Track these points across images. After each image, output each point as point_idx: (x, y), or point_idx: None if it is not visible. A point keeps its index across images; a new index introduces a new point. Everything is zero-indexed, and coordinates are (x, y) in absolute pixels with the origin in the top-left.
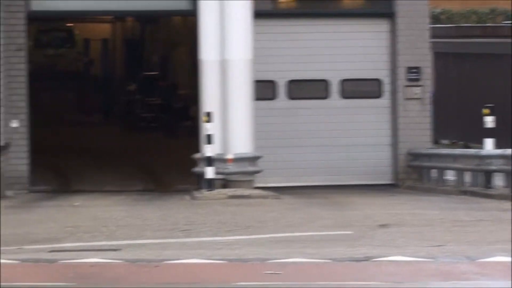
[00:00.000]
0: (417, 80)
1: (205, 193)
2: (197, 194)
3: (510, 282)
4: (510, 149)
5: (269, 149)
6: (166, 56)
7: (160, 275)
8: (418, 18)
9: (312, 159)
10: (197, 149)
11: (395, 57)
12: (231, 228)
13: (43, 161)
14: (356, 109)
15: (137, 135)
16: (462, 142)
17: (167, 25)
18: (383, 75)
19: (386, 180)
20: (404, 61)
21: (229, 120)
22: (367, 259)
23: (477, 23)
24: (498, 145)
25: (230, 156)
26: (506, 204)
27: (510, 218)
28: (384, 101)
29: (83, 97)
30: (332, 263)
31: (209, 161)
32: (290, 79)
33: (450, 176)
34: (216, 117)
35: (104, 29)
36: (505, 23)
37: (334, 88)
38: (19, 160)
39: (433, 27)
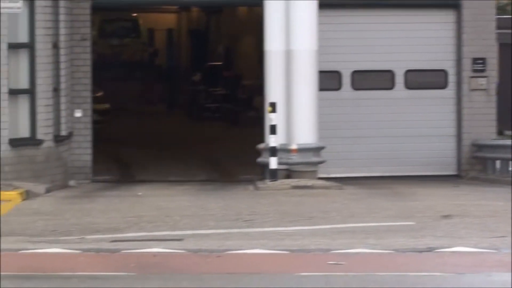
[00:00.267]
0: (482, 71)
1: (268, 183)
2: (260, 184)
3: None
4: None
5: (332, 139)
6: (230, 47)
7: (222, 265)
8: (484, 9)
9: (375, 150)
10: (261, 139)
11: (460, 48)
12: (294, 219)
13: (107, 151)
14: (420, 100)
15: (201, 125)
16: None
17: (232, 16)
18: (448, 66)
19: (450, 171)
20: (470, 52)
21: (293, 110)
22: (429, 250)
23: None
24: None
25: (294, 146)
26: None
27: None
28: (449, 92)
29: (147, 87)
30: (394, 253)
31: (273, 151)
32: (355, 69)
33: None
34: (280, 107)
35: (168, 19)
36: None
37: (399, 79)
38: (82, 150)
39: (499, 18)
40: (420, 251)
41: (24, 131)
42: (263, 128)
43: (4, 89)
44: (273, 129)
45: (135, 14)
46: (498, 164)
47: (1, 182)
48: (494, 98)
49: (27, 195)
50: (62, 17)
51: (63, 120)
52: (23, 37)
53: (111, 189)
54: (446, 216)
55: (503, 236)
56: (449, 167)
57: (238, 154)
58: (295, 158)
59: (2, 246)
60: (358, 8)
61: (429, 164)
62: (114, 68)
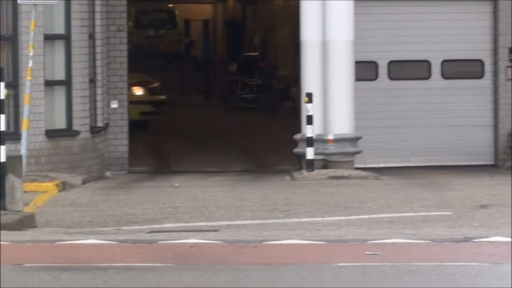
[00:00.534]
0: None
1: (305, 173)
2: (297, 174)
3: None
4: None
5: (369, 129)
6: (266, 37)
7: (259, 255)
8: None
9: (412, 140)
10: (297, 129)
11: (497, 38)
12: (331, 209)
13: (143, 141)
14: (457, 90)
15: (237, 115)
16: None
17: (268, 6)
18: (484, 55)
19: (486, 161)
20: (506, 42)
21: (329, 100)
22: (466, 240)
23: None
24: None
25: (330, 136)
26: None
27: None
28: (485, 82)
29: (184, 78)
30: (431, 243)
31: (310, 141)
32: (391, 59)
33: None
34: (316, 98)
35: (205, 9)
36: None
37: (435, 69)
38: (118, 141)
39: None
40: (457, 241)
41: (60, 123)
42: (300, 119)
43: (40, 81)
44: (309, 120)
45: (171, 5)
46: None
47: (37, 174)
48: None
49: (63, 186)
50: (98, 8)
51: (99, 111)
52: (59, 29)
53: (148, 180)
54: (483, 206)
55: None
56: (485, 157)
57: (275, 144)
58: (331, 148)
59: (39, 237)
60: None
61: (465, 154)
62: (150, 59)
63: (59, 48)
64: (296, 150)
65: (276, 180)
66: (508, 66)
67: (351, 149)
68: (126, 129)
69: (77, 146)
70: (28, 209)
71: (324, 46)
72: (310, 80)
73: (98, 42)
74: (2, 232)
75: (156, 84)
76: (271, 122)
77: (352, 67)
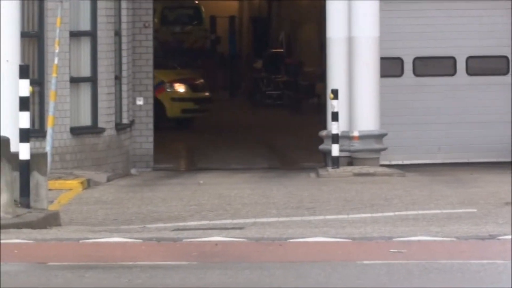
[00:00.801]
0: None
1: (330, 170)
2: (322, 171)
3: None
4: None
5: (394, 126)
6: (292, 34)
7: (284, 253)
8: None
9: (437, 137)
10: (322, 126)
11: None
12: (356, 206)
13: (168, 138)
14: (481, 86)
15: (263, 112)
16: None
17: (293, 2)
18: (510, 52)
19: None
20: None
21: (355, 97)
22: (492, 237)
23: None
24: None
25: (356, 133)
26: None
27: None
28: (510, 78)
29: (210, 75)
30: (456, 241)
31: (335, 138)
32: (416, 56)
33: None
34: (342, 94)
35: (231, 6)
36: None
37: (460, 65)
38: (143, 138)
39: None
40: (483, 239)
41: (85, 120)
42: (325, 115)
43: (66, 78)
44: (335, 116)
45: (197, 1)
46: None
47: (62, 171)
48: None
49: (88, 184)
50: (124, 5)
51: (124, 108)
52: (85, 25)
53: (173, 177)
54: (508, 203)
55: None
56: (510, 154)
57: (300, 141)
58: (357, 145)
59: (64, 236)
60: None
61: (490, 151)
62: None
63: (84, 45)
64: (321, 146)
65: (302, 177)
66: None
67: (376, 146)
68: (151, 126)
69: (102, 143)
70: (52, 207)
71: (350, 42)
72: (335, 77)
73: (124, 39)
74: (26, 230)
75: (200, 81)
76: (297, 119)
77: (377, 64)
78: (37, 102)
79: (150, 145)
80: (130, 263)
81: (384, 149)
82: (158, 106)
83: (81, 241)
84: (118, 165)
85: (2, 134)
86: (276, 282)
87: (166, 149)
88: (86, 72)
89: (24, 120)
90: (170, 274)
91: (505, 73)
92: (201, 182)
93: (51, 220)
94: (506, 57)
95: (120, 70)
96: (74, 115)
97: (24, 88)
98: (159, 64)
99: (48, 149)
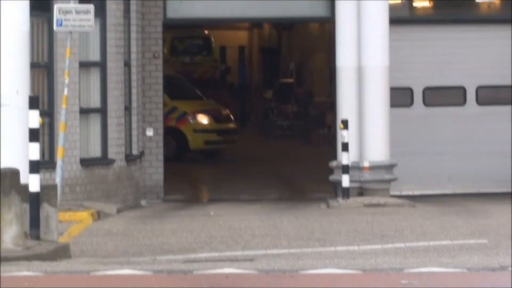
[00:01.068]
0: None
1: (340, 201)
2: (332, 202)
3: None
4: None
5: (404, 156)
6: (302, 63)
7: (295, 285)
8: None
9: (447, 167)
10: (333, 156)
11: None
12: (367, 237)
13: (177, 169)
14: (491, 116)
15: (273, 142)
16: None
17: (303, 32)
18: None
19: None
20: None
21: (365, 127)
22: (503, 268)
23: None
24: None
25: (366, 164)
26: None
27: None
28: None
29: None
30: (467, 272)
31: (345, 169)
32: (426, 86)
33: None
34: (352, 124)
35: (240, 36)
36: None
37: (470, 95)
38: (153, 169)
39: None
40: (494, 270)
41: (95, 151)
42: (335, 145)
43: (75, 108)
44: (345, 147)
45: (207, 32)
46: None
47: (72, 203)
48: None
49: (98, 216)
50: (133, 35)
51: (134, 139)
52: (95, 56)
53: (183, 208)
54: None
55: None
56: None
57: (310, 172)
58: (367, 175)
59: (74, 268)
60: (429, 24)
61: (501, 181)
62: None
63: (94, 76)
64: (331, 177)
65: (312, 208)
66: None
67: (386, 176)
68: (161, 157)
69: (112, 174)
70: (62, 239)
71: (360, 72)
72: (345, 107)
73: (133, 69)
74: (36, 262)
75: (225, 112)
76: (307, 149)
77: (387, 93)
78: (47, 133)
79: (160, 176)
80: None
81: (394, 180)
82: (181, 138)
83: (91, 273)
84: (128, 197)
85: (12, 165)
86: None
87: (176, 180)
88: (95, 103)
89: (34, 151)
90: None
91: None
92: (212, 213)
93: (61, 252)
94: None
95: (130, 101)
96: (84, 146)
97: (34, 119)
98: (181, 94)
99: (58, 180)
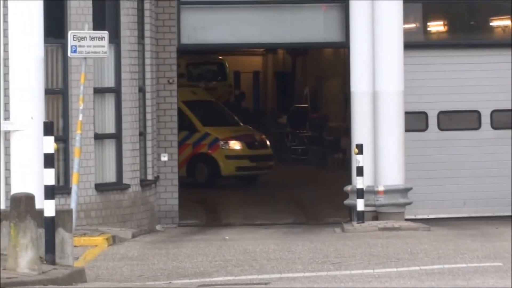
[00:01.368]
0: None
1: (355, 225)
2: (347, 226)
3: None
4: None
5: (418, 180)
6: (316, 88)
7: None
8: None
9: (462, 191)
10: (348, 181)
11: None
12: (382, 261)
13: (192, 194)
14: (506, 140)
15: (288, 167)
16: None
17: (317, 57)
18: None
19: None
20: None
21: (380, 151)
22: None
23: None
24: None
25: (381, 188)
26: None
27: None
28: None
29: None
30: None
31: (360, 193)
32: (441, 110)
33: None
34: (367, 148)
35: (255, 61)
36: None
37: (485, 119)
38: (168, 194)
39: None
40: None
41: (110, 176)
42: (350, 170)
43: (90, 134)
44: (360, 171)
45: (221, 57)
46: None
47: (87, 228)
48: None
49: (114, 240)
50: (148, 61)
51: (149, 164)
52: (109, 82)
53: (198, 233)
54: None
55: None
56: None
57: (325, 196)
58: (382, 199)
59: None
60: (443, 48)
61: None
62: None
63: (109, 101)
64: (346, 201)
65: (327, 232)
66: None
67: (401, 200)
68: (176, 182)
69: (127, 199)
70: (78, 264)
71: (374, 97)
72: (360, 131)
73: (148, 95)
74: (52, 287)
75: (261, 137)
76: (322, 174)
77: (402, 118)
78: (62, 159)
79: (175, 201)
80: None
81: (409, 204)
82: (213, 164)
83: None
84: (143, 222)
85: (27, 191)
86: None
87: (191, 205)
88: (110, 128)
89: (49, 177)
90: None
91: None
92: (227, 237)
93: (76, 276)
94: None
95: (145, 126)
96: (98, 172)
97: (49, 145)
98: (215, 120)
99: (73, 205)
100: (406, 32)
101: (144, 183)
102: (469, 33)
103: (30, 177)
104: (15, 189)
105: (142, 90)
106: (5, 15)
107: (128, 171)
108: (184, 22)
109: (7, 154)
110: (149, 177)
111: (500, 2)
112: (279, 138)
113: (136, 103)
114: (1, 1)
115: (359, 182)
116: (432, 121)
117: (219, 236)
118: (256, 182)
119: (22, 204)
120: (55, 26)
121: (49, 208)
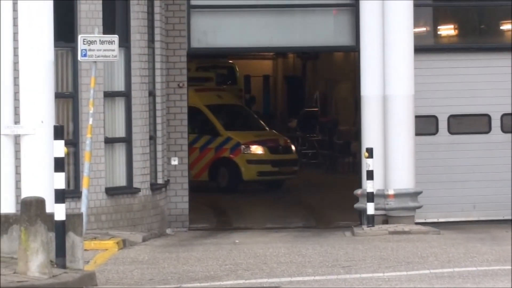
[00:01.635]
0: None
1: (365, 229)
2: (357, 230)
3: None
4: None
5: (429, 184)
6: (326, 92)
7: None
8: None
9: (472, 194)
10: (358, 184)
11: None
12: (392, 264)
13: (202, 198)
14: None
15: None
16: None
17: (328, 61)
18: None
19: None
20: None
21: (390, 155)
22: None
23: None
24: None
25: (391, 192)
26: None
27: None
28: None
29: None
30: None
31: (370, 197)
32: (451, 114)
33: None
34: (377, 152)
35: (265, 65)
36: None
37: (495, 123)
38: (178, 198)
39: None
40: None
41: (120, 180)
42: (360, 174)
43: (100, 138)
44: (370, 175)
45: (231, 61)
46: None
47: (98, 232)
48: None
49: (124, 244)
50: (158, 65)
51: (159, 168)
52: (119, 86)
53: (208, 236)
54: None
55: None
56: None
57: (335, 200)
58: (392, 203)
59: None
60: (453, 52)
61: None
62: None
63: (119, 105)
64: (356, 205)
65: (337, 235)
66: None
67: (411, 204)
68: (186, 186)
69: (137, 203)
70: (88, 267)
71: (384, 100)
72: (370, 135)
73: (158, 99)
74: None
75: (285, 142)
76: (332, 177)
77: (412, 122)
78: (72, 163)
79: (185, 205)
80: None
81: (419, 207)
82: (235, 168)
83: None
84: (154, 225)
85: (38, 195)
86: None
87: (201, 209)
88: (120, 132)
89: (59, 181)
90: None
91: None
92: (237, 241)
93: (87, 280)
94: None
95: (155, 130)
96: (109, 176)
97: (59, 149)
98: (239, 124)
99: (83, 209)
100: (416, 36)
101: (154, 187)
102: (479, 37)
103: (41, 181)
104: (26, 193)
105: (152, 94)
106: (15, 18)
107: (138, 175)
108: (194, 26)
109: (18, 158)
110: (159, 181)
111: (511, 5)
112: None
113: (146, 107)
114: (11, 5)
115: (369, 186)
116: (442, 124)
117: (229, 239)
118: (281, 187)
119: (33, 208)
120: (65, 30)
121: (59, 212)
